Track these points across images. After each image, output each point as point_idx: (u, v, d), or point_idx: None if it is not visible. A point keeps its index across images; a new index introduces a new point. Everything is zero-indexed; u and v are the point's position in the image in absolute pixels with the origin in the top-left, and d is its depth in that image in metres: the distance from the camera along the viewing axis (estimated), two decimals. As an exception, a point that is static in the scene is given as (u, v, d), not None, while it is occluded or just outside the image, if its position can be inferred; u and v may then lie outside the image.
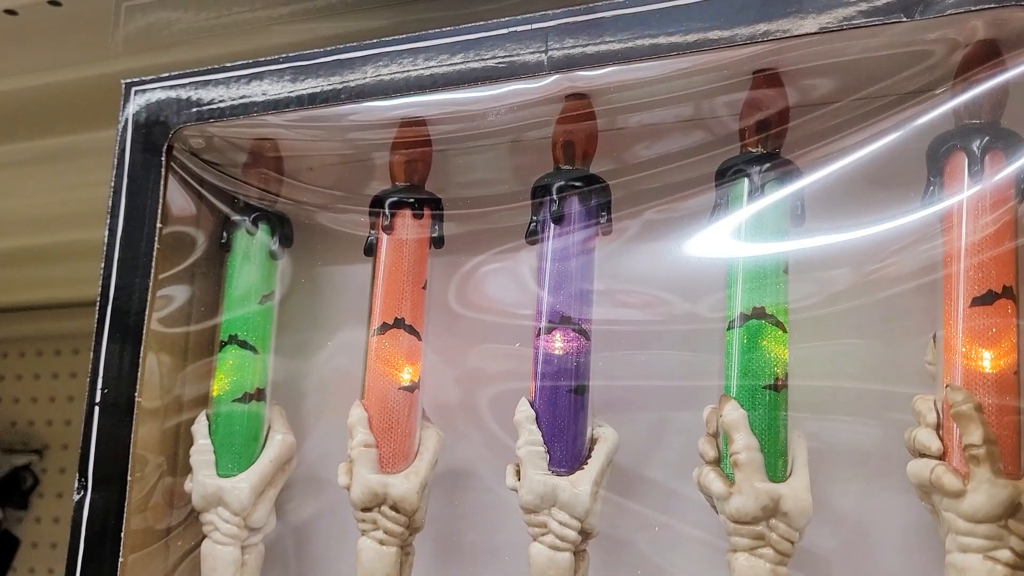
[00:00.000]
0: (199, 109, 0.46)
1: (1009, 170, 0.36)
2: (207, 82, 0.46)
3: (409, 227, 0.45)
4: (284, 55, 0.45)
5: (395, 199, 0.45)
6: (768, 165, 0.39)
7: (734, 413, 0.37)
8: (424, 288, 0.45)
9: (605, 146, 0.44)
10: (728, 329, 0.38)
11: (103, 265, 0.46)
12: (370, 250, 0.45)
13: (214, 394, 0.46)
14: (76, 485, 0.44)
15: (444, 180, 0.48)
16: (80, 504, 0.43)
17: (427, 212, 0.45)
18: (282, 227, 0.48)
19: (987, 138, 0.36)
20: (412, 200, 0.45)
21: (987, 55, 0.37)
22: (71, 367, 1.01)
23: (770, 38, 0.37)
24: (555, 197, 0.42)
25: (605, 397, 0.43)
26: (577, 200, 0.42)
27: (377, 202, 0.45)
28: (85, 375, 0.45)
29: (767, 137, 0.40)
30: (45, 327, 1.00)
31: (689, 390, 0.43)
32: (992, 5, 0.34)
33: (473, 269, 0.46)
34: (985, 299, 0.35)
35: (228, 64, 0.45)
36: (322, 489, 0.47)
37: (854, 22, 0.36)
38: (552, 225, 0.42)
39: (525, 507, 0.39)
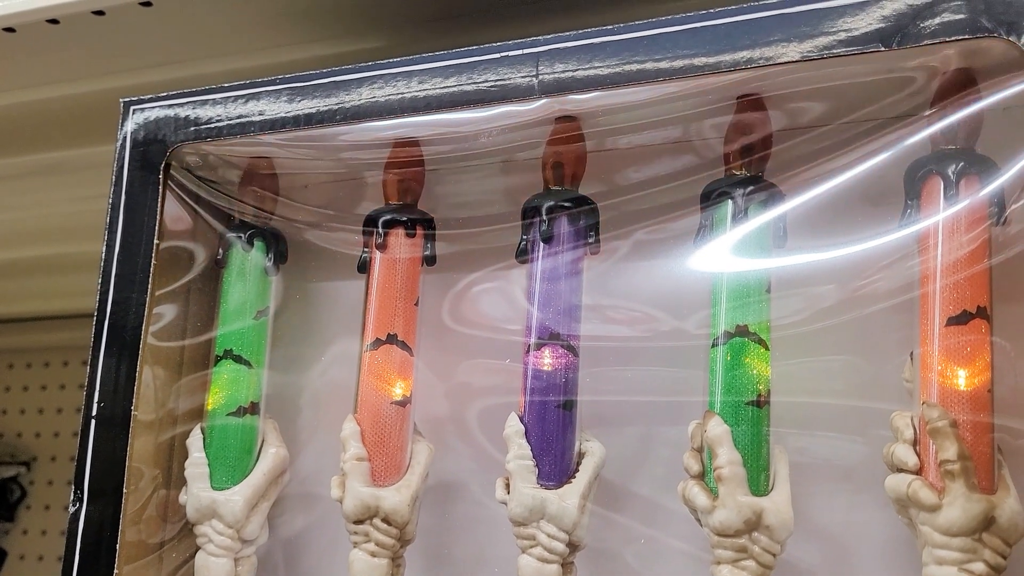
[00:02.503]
0: (196, 128, 0.46)
1: (983, 194, 0.37)
2: (205, 101, 0.47)
3: (402, 245, 0.46)
4: (281, 76, 0.46)
5: (388, 218, 0.46)
6: (751, 188, 0.40)
7: (718, 428, 0.38)
8: (416, 305, 0.46)
9: (596, 168, 0.45)
10: (712, 347, 0.40)
11: (100, 280, 0.46)
12: (363, 267, 0.46)
13: (209, 408, 0.47)
14: (72, 498, 0.44)
15: (436, 200, 0.49)
16: (75, 516, 0.44)
17: (419, 231, 0.46)
18: (277, 244, 0.49)
19: (962, 163, 0.37)
20: (405, 219, 0.46)
21: (963, 83, 0.38)
22: (60, 379, 1.01)
23: (753, 65, 0.38)
24: (545, 217, 0.43)
25: (594, 411, 0.44)
26: (566, 220, 0.43)
27: (371, 220, 0.46)
28: (74, 387, 0.46)
29: (751, 161, 0.41)
30: (35, 339, 1.00)
31: (676, 406, 0.44)
32: (966, 36, 0.35)
33: (465, 287, 0.47)
34: (960, 319, 0.36)
35: (226, 84, 0.46)
36: (315, 501, 0.48)
37: (834, 51, 0.37)
38: (542, 244, 0.43)
39: (514, 520, 0.40)
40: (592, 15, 0.51)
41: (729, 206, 0.40)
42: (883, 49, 0.36)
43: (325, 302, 0.51)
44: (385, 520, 0.42)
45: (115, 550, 0.43)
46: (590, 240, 0.43)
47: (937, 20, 0.36)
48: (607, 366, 0.44)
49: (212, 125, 0.46)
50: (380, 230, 0.46)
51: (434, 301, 0.47)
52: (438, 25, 0.55)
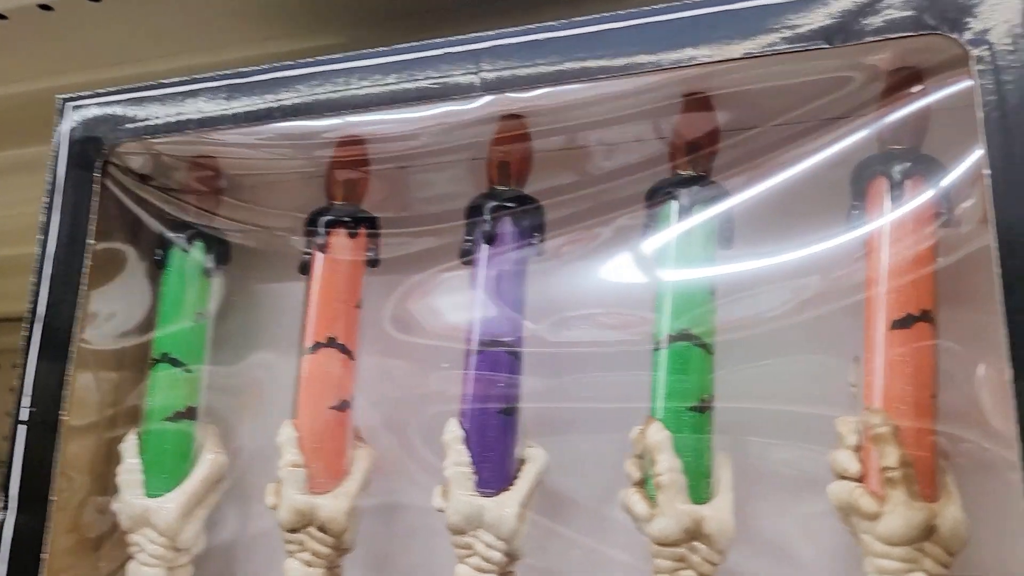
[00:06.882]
0: (134, 126, 0.45)
1: (929, 195, 0.36)
2: (143, 99, 0.45)
3: (344, 246, 0.45)
4: (220, 72, 0.44)
5: (330, 218, 0.45)
6: (697, 188, 0.39)
7: (658, 435, 0.37)
8: (358, 307, 0.45)
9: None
10: (655, 350, 0.39)
11: (33, 281, 0.45)
12: (304, 269, 0.45)
13: (145, 412, 0.45)
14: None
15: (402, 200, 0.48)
16: (2, 525, 0.42)
17: (363, 231, 0.45)
18: (218, 245, 0.48)
19: (908, 164, 0.37)
20: (347, 219, 0.45)
21: (908, 82, 0.37)
22: (8, 381, 0.99)
23: (696, 63, 0.37)
24: (488, 217, 0.42)
25: (542, 417, 0.42)
26: (510, 220, 0.42)
27: (312, 220, 0.45)
28: (24, 392, 0.44)
29: (696, 159, 0.40)
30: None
31: (625, 412, 0.43)
32: (911, 33, 0.34)
33: (408, 289, 0.46)
34: (904, 322, 0.35)
35: (164, 80, 0.45)
36: (252, 509, 0.47)
37: (777, 48, 0.36)
38: (485, 245, 0.42)
39: (451, 528, 0.39)
40: (555, 9, 0.50)
41: (674, 206, 0.40)
42: (827, 47, 0.35)
43: (267, 304, 0.50)
44: (321, 528, 0.41)
45: (43, 559, 0.42)
46: (534, 241, 0.42)
47: (880, 17, 0.35)
48: (560, 371, 0.43)
49: (150, 123, 0.45)
50: (321, 230, 0.45)
51: (377, 304, 0.46)
52: (397, 23, 0.54)
